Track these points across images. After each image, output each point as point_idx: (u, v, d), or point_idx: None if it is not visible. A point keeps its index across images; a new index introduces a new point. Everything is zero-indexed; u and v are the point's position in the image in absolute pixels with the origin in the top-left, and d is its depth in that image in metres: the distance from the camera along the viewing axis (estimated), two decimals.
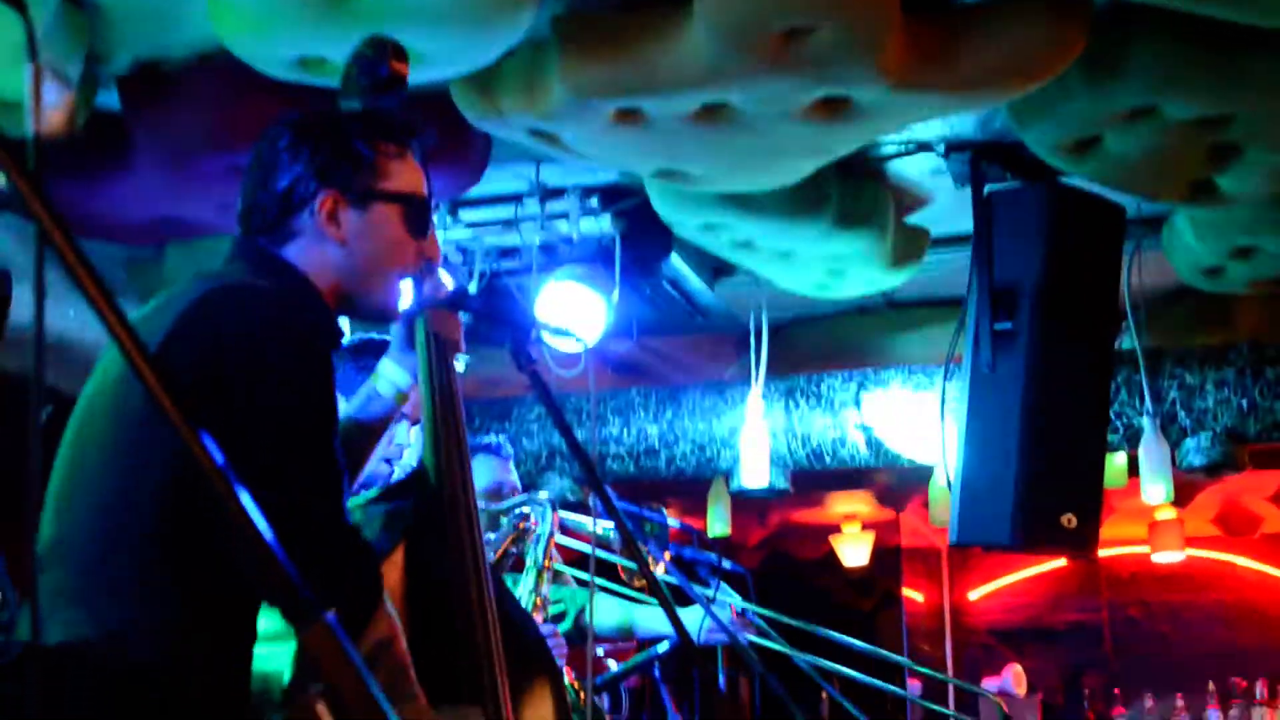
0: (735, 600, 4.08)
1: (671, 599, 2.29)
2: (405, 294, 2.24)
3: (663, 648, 3.73)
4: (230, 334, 1.88)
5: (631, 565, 3.68)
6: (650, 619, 4.14)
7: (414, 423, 2.71)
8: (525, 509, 3.50)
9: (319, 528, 1.85)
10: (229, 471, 1.11)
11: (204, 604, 1.86)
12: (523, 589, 3.46)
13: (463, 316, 2.38)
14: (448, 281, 2.31)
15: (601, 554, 3.50)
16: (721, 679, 4.11)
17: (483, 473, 3.68)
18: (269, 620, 1.92)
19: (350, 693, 1.08)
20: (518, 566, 3.55)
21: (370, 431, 2.32)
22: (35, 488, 1.67)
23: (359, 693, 1.08)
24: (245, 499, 1.10)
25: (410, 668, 1.97)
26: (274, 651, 1.91)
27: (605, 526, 3.51)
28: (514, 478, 3.92)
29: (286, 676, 1.88)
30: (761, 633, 4.02)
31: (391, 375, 2.32)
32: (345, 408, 2.32)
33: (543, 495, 3.60)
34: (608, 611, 4.12)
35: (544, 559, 3.53)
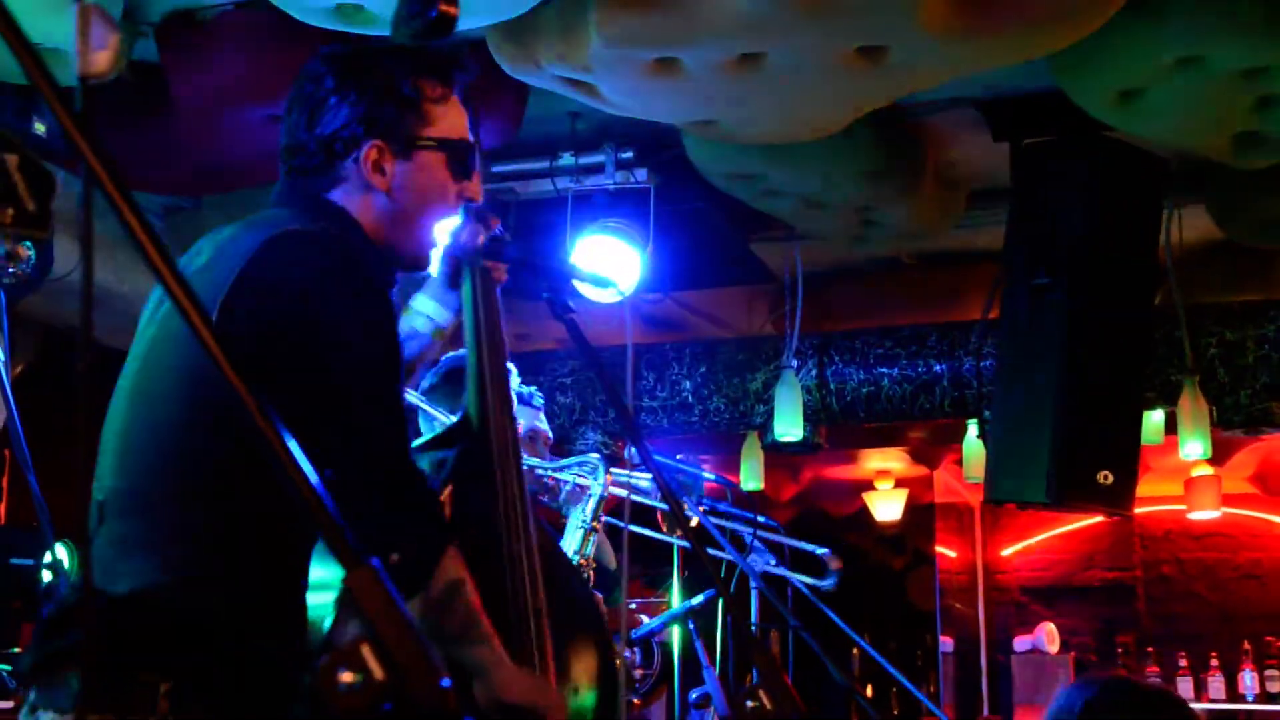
0: (768, 559, 4.08)
1: (707, 551, 2.29)
2: (441, 236, 2.23)
3: (697, 600, 3.74)
4: (295, 281, 1.88)
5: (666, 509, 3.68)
6: None
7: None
8: (574, 471, 3.50)
9: (387, 471, 1.88)
10: (277, 419, 1.11)
11: (269, 549, 1.88)
12: (567, 548, 3.46)
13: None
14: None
15: (641, 500, 3.50)
16: (754, 631, 4.12)
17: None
18: (316, 569, 1.94)
19: (395, 637, 1.08)
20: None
21: (407, 370, 2.32)
22: (84, 440, 1.68)
23: (404, 637, 1.08)
24: (294, 446, 1.10)
25: (482, 612, 1.98)
26: (319, 600, 1.92)
27: (641, 479, 3.50)
28: (546, 427, 3.93)
29: (328, 624, 1.89)
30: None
31: (430, 312, 2.32)
32: None
33: (593, 456, 3.58)
34: None
35: (592, 520, 3.52)
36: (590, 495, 3.48)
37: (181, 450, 1.88)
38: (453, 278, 2.32)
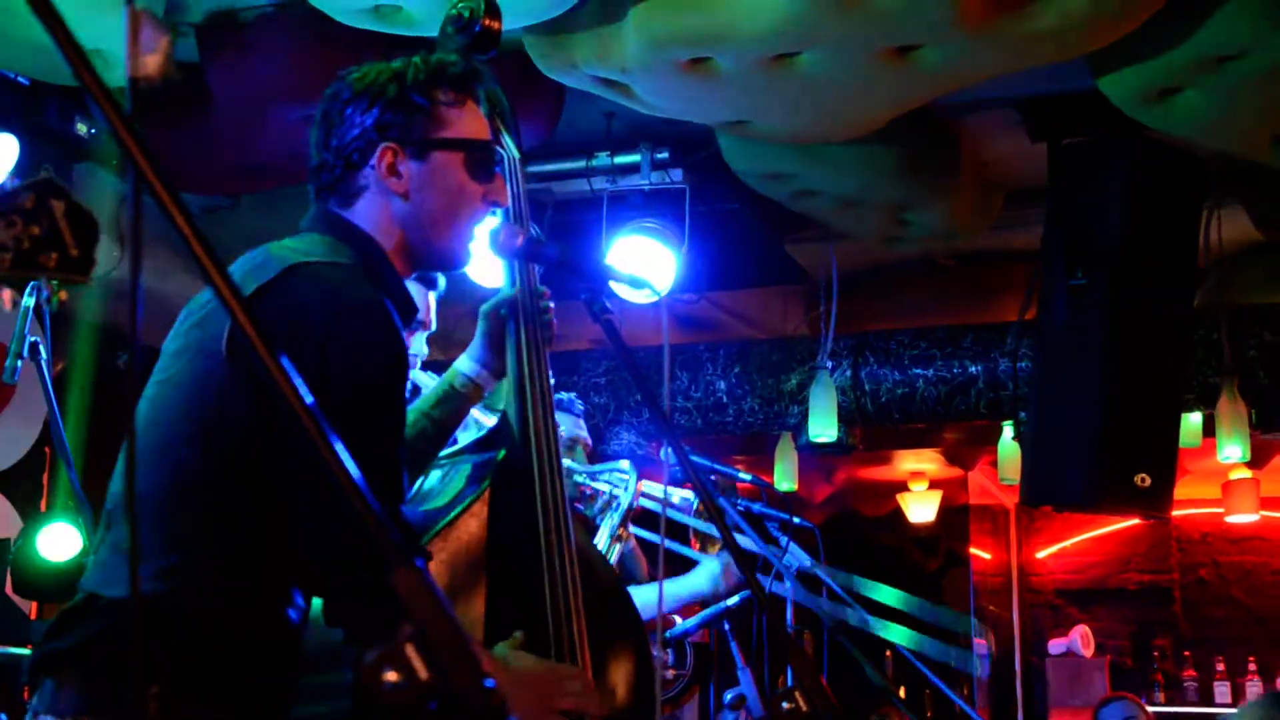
0: (803, 559, 4.06)
1: (741, 552, 2.29)
2: (480, 246, 2.25)
3: (733, 601, 3.73)
4: (303, 317, 1.87)
5: (701, 526, 3.68)
6: (683, 585, 4.08)
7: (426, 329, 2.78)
8: (606, 478, 3.49)
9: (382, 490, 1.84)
10: (322, 419, 1.12)
11: (260, 562, 1.89)
12: None
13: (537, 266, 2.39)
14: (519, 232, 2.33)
15: (674, 515, 3.49)
16: (789, 632, 4.10)
17: None
18: None
19: (439, 636, 1.09)
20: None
21: (444, 427, 2.33)
22: (132, 435, 1.70)
23: (448, 636, 1.09)
24: (340, 448, 1.11)
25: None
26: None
27: (681, 495, 3.51)
28: (585, 433, 3.92)
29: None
30: (833, 595, 4.00)
31: (468, 370, 2.35)
32: (419, 402, 2.34)
33: (624, 464, 3.56)
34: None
35: (619, 528, 3.51)
36: (619, 503, 3.48)
37: (179, 464, 1.89)
38: (490, 335, 2.34)
